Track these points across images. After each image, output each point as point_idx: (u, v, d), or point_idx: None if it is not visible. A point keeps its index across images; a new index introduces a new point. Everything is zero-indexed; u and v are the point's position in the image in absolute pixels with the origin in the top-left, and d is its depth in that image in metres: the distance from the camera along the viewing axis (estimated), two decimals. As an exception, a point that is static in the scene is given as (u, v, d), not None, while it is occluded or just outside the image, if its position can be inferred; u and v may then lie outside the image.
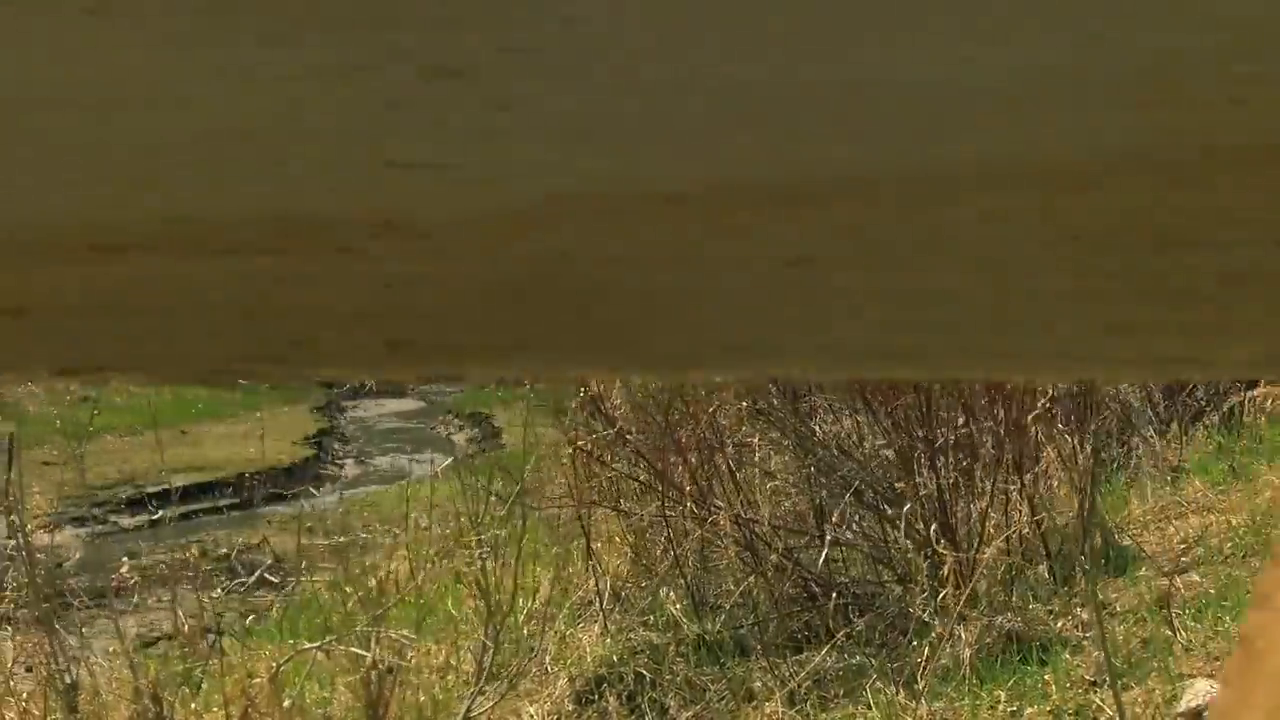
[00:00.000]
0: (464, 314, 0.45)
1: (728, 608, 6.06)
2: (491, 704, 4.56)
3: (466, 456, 21.27)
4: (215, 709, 4.55)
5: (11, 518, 4.69)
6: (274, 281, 0.45)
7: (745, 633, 6.05)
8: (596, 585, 5.88)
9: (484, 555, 4.73)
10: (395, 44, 0.41)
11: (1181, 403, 7.78)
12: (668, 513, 5.83)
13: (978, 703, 5.01)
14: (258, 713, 4.39)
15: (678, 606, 5.66)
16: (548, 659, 5.37)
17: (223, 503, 16.46)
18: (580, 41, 0.41)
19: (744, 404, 6.08)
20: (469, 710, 4.37)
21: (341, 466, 23.03)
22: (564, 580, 5.82)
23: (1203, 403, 7.97)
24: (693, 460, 5.99)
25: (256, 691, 4.38)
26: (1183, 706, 4.35)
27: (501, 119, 0.42)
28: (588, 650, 5.70)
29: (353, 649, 4.12)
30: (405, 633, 4.39)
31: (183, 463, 17.25)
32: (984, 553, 5.69)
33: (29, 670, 4.49)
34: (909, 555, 6.08)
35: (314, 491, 20.29)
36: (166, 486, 17.55)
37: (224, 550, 13.42)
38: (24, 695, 4.32)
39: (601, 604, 5.93)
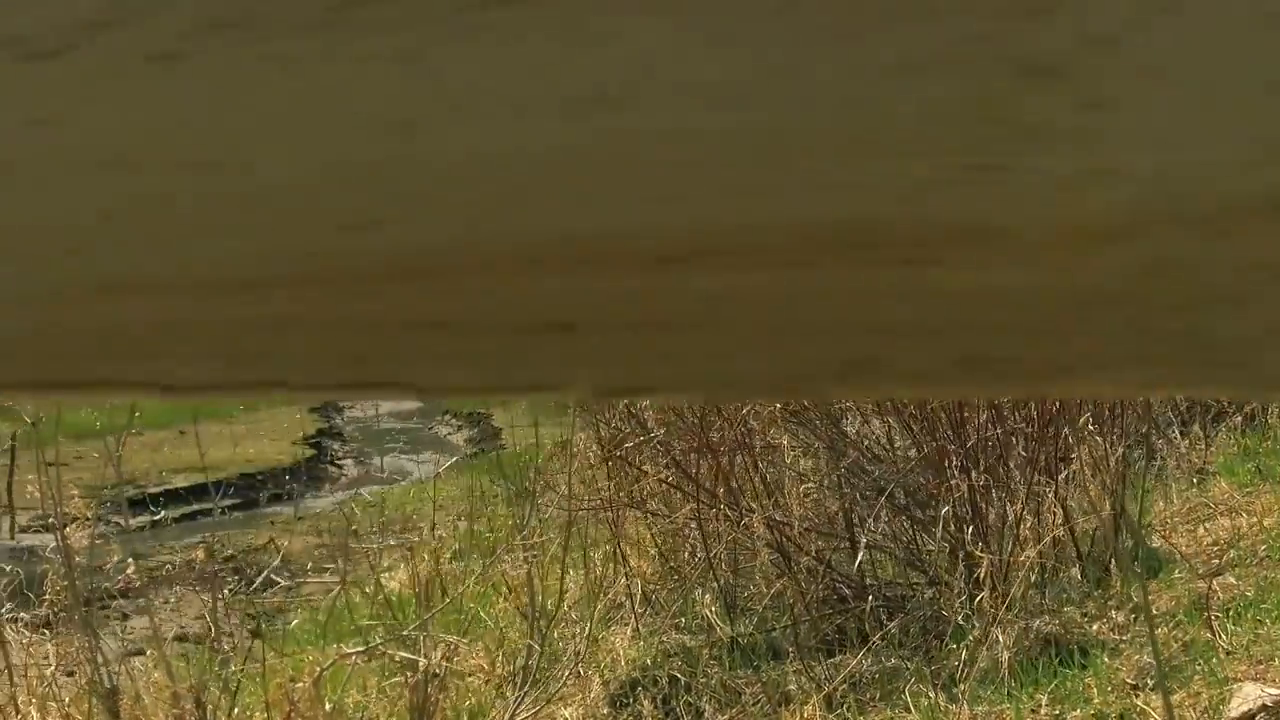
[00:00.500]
0: (1048, 326, 0.42)
1: (759, 610, 6.03)
2: (537, 708, 4.52)
3: (467, 457, 21.26)
4: (258, 713, 4.51)
5: (49, 520, 4.65)
6: (840, 295, 0.42)
7: (777, 636, 6.02)
8: (628, 588, 5.84)
9: (531, 558, 4.69)
10: (983, 36, 0.38)
11: (1203, 405, 7.76)
12: (701, 515, 5.79)
13: (1019, 706, 4.97)
14: (300, 717, 4.35)
15: (713, 609, 5.62)
16: (579, 662, 5.33)
17: (224, 503, 16.41)
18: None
19: (777, 406, 6.04)
20: (513, 715, 4.34)
21: (341, 467, 22.98)
22: (592, 583, 5.78)
23: (1225, 404, 7.95)
24: (724, 462, 5.95)
25: (299, 695, 4.33)
26: (1234, 711, 4.32)
27: (1095, 119, 0.39)
28: (621, 653, 5.66)
29: (402, 653, 4.08)
30: (453, 637, 4.35)
31: (183, 463, 17.20)
32: (1020, 555, 5.66)
33: (70, 675, 4.45)
34: (942, 558, 6.05)
35: (316, 492, 20.27)
36: (168, 487, 17.55)
37: (230, 551, 13.36)
38: (66, 700, 4.28)
39: (633, 606, 5.89)
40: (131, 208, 0.40)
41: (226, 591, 8.18)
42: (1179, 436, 7.46)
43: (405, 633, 4.15)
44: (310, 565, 12.35)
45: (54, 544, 4.56)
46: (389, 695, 5.23)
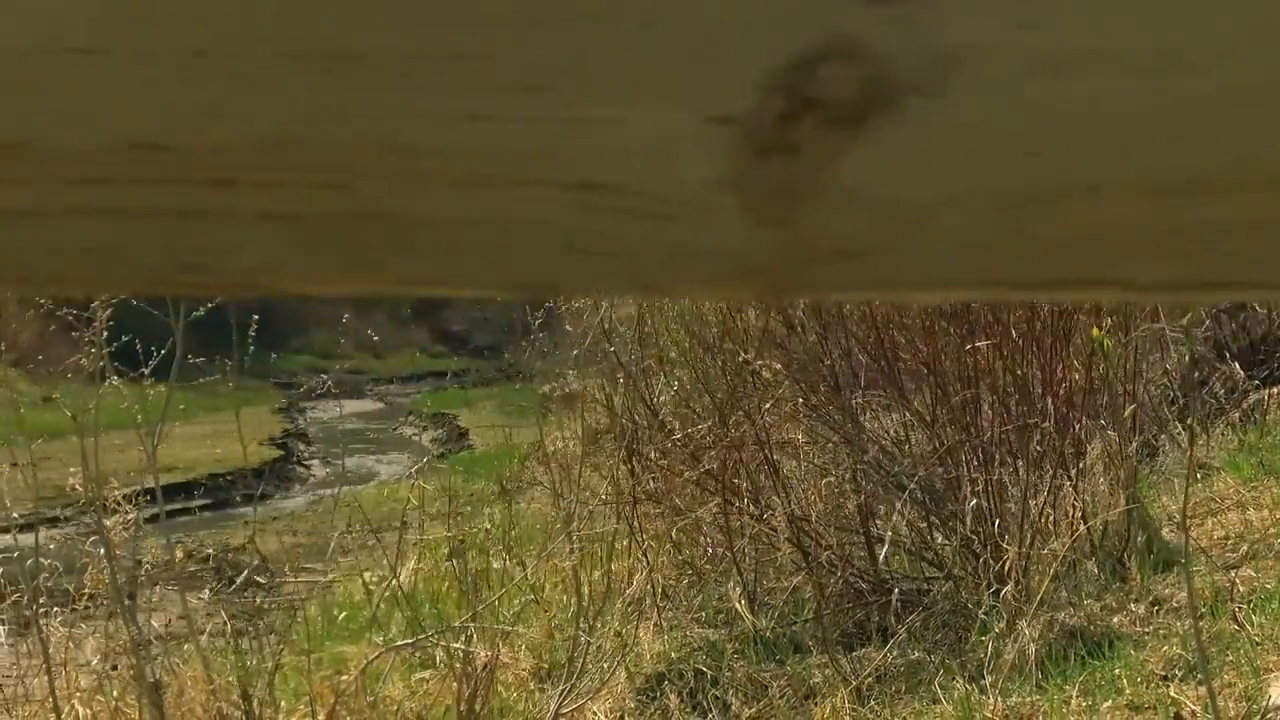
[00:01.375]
0: None
1: (779, 605, 6.04)
2: (580, 702, 4.51)
3: (434, 457, 21.13)
4: (301, 706, 4.48)
5: (88, 514, 4.60)
6: None
7: (798, 630, 6.03)
8: (651, 583, 5.84)
9: (580, 550, 4.68)
10: None
11: (1200, 400, 7.84)
12: (727, 510, 5.79)
13: (1051, 698, 5.00)
14: (346, 710, 4.32)
15: (742, 603, 5.63)
16: (620, 655, 5.32)
17: (194, 504, 16.28)
18: None
19: (800, 400, 6.06)
20: (559, 707, 4.33)
21: (309, 467, 22.85)
22: (613, 578, 5.78)
23: (1222, 400, 8.04)
24: (745, 457, 5.96)
25: (344, 688, 4.31)
26: (1276, 699, 4.36)
27: None
28: (646, 647, 5.66)
29: (456, 645, 4.05)
30: (506, 626, 4.33)
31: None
32: (1044, 548, 5.70)
33: (114, 669, 4.40)
34: (960, 552, 6.08)
35: (286, 493, 20.14)
36: (137, 487, 17.36)
37: (209, 551, 13.24)
38: (114, 693, 4.24)
39: (655, 600, 5.88)
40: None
41: (208, 591, 8.13)
42: (1183, 433, 7.52)
43: (456, 625, 4.13)
44: (288, 565, 12.24)
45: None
46: (417, 690, 5.21)
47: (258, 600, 10.05)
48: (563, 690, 4.33)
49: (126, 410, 4.67)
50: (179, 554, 9.63)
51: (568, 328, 22.71)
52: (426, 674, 5.54)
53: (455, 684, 4.19)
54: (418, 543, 9.13)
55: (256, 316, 5.67)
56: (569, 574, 4.83)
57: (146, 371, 4.83)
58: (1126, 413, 6.24)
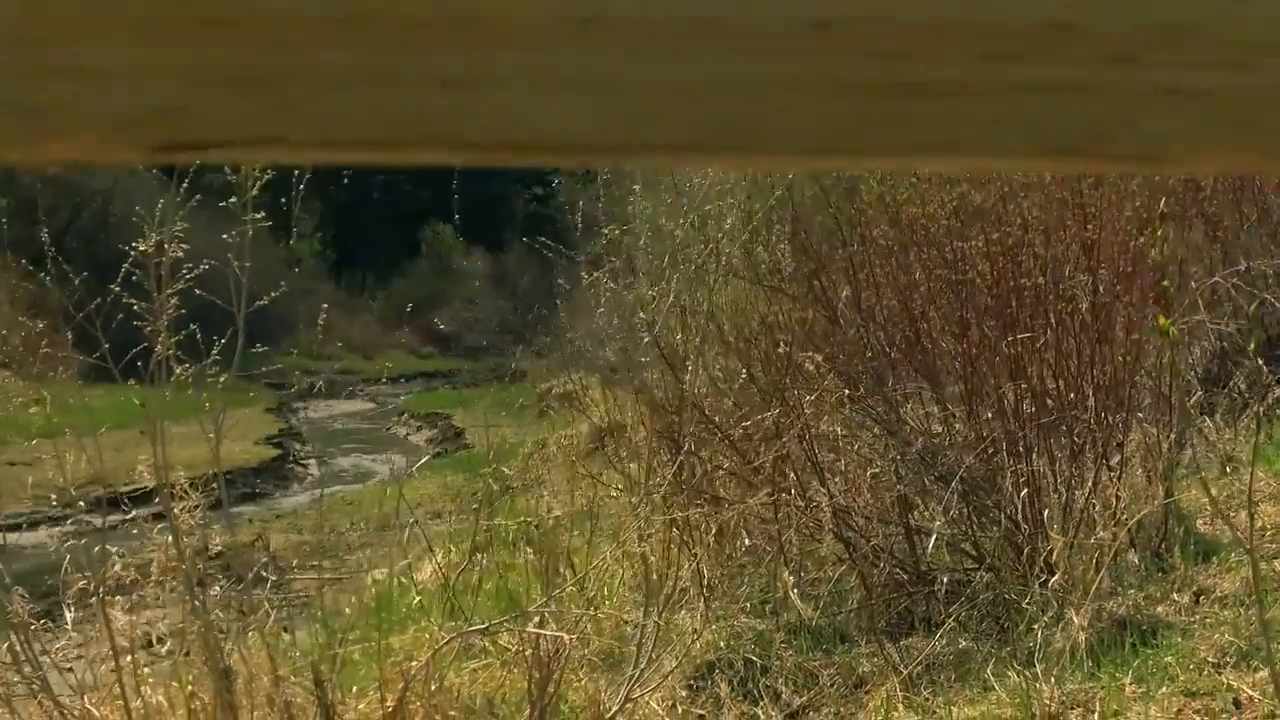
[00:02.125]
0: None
1: (823, 595, 6.07)
2: (643, 691, 4.53)
3: (432, 456, 21.08)
4: (371, 692, 4.49)
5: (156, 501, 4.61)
6: None
7: (842, 620, 6.06)
8: (700, 573, 5.85)
9: (647, 536, 4.70)
10: None
11: (1229, 396, 7.89)
12: (776, 501, 5.81)
13: (1108, 685, 5.04)
14: (414, 695, 4.33)
15: (795, 593, 5.65)
16: (657, 647, 5.33)
17: (193, 503, 16.22)
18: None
19: (844, 391, 6.08)
20: (629, 692, 4.34)
21: (306, 466, 22.79)
22: (656, 569, 5.79)
23: (1245, 395, 8.09)
24: (791, 449, 5.99)
25: (413, 674, 4.32)
26: (1337, 684, 4.39)
27: None
28: (695, 637, 5.67)
29: (530, 629, 4.07)
30: (582, 611, 4.34)
31: (149, 463, 16.95)
32: (1090, 538, 5.74)
33: (187, 655, 4.41)
34: (1002, 542, 6.12)
35: (285, 491, 20.09)
36: (139, 486, 17.32)
37: (219, 547, 13.18)
38: (189, 679, 4.24)
39: (701, 591, 5.90)
40: None
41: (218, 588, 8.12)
42: (1212, 427, 7.58)
43: (532, 609, 4.14)
44: (296, 561, 12.26)
45: (167, 524, 4.53)
46: (477, 677, 5.22)
47: (263, 595, 10.06)
48: (632, 676, 4.34)
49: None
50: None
51: (567, 333, 22.70)
52: (474, 663, 5.56)
53: (527, 670, 4.20)
54: (446, 535, 9.15)
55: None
56: (638, 560, 4.84)
57: (207, 361, 4.82)
58: (1174, 398, 6.30)
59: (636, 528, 4.74)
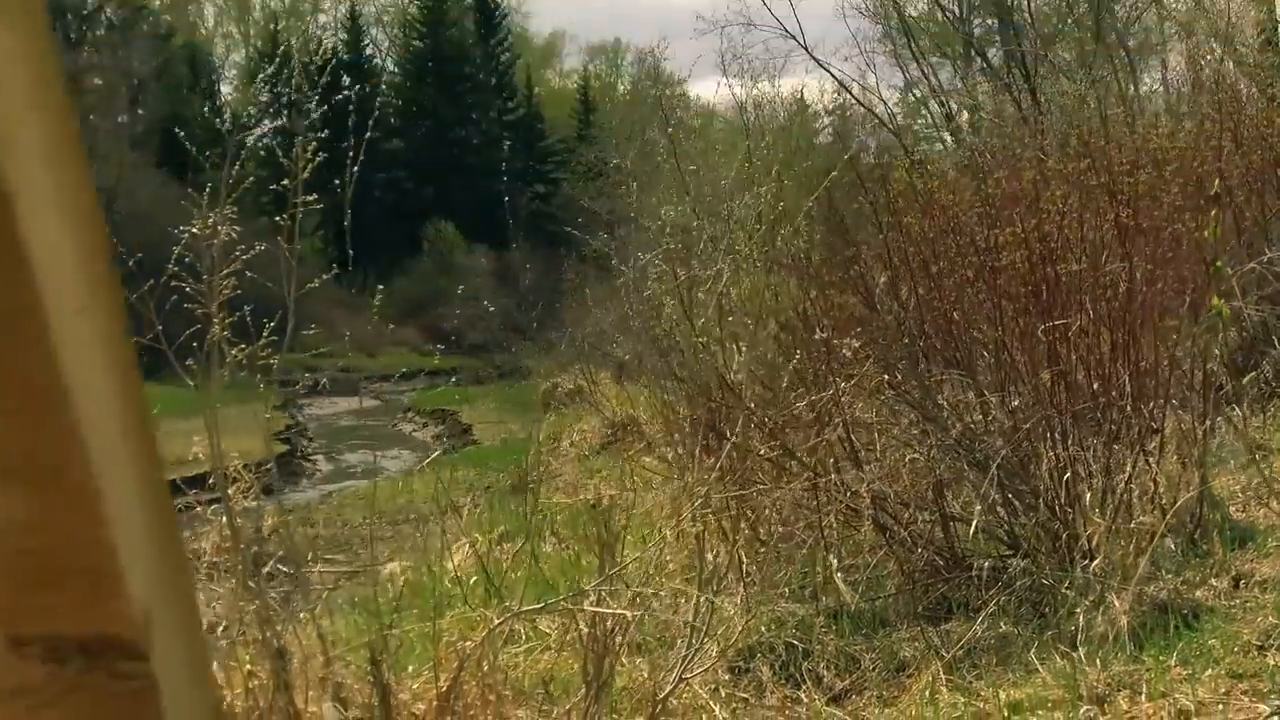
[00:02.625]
0: None
1: (861, 581, 6.08)
2: (701, 670, 4.54)
3: (441, 452, 21.05)
4: (425, 672, 4.50)
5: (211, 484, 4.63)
6: None
7: (880, 604, 6.08)
8: (740, 558, 5.87)
9: (702, 516, 4.71)
10: None
11: (1260, 385, 7.91)
12: (816, 485, 5.83)
13: (1155, 666, 5.05)
14: (469, 675, 4.34)
15: (838, 577, 5.66)
16: (705, 626, 5.34)
17: (204, 497, 16.25)
18: None
19: (884, 377, 6.10)
20: (682, 672, 4.36)
21: (314, 462, 22.84)
22: (710, 548, 5.81)
23: (1272, 383, 8.12)
24: (830, 434, 6.00)
25: (470, 653, 4.33)
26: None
27: None
28: (736, 621, 5.68)
29: (589, 608, 4.08)
30: (638, 589, 4.35)
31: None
32: (1129, 523, 5.75)
33: (243, 635, 4.41)
34: (1036, 529, 6.13)
35: (294, 487, 20.08)
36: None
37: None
38: (246, 659, 4.25)
39: (741, 576, 5.92)
40: None
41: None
42: (1241, 415, 7.59)
43: (589, 588, 4.15)
44: (311, 554, 12.27)
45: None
46: (519, 662, 5.23)
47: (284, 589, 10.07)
48: (686, 656, 4.36)
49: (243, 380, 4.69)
50: (205, 545, 9.63)
51: (572, 330, 22.58)
52: (512, 649, 5.58)
53: (583, 649, 4.21)
54: (475, 523, 9.16)
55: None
56: (679, 544, 4.86)
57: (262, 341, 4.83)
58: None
59: (691, 509, 4.75)
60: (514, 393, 27.04)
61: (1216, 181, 4.46)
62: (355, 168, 4.75)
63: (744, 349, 6.40)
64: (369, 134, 5.37)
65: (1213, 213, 4.01)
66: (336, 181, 4.81)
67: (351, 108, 5.56)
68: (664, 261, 6.93)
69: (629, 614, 3.97)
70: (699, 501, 4.85)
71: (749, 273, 6.25)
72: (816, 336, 6.27)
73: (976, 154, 10.32)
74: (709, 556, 5.89)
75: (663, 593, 4.78)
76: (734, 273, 6.24)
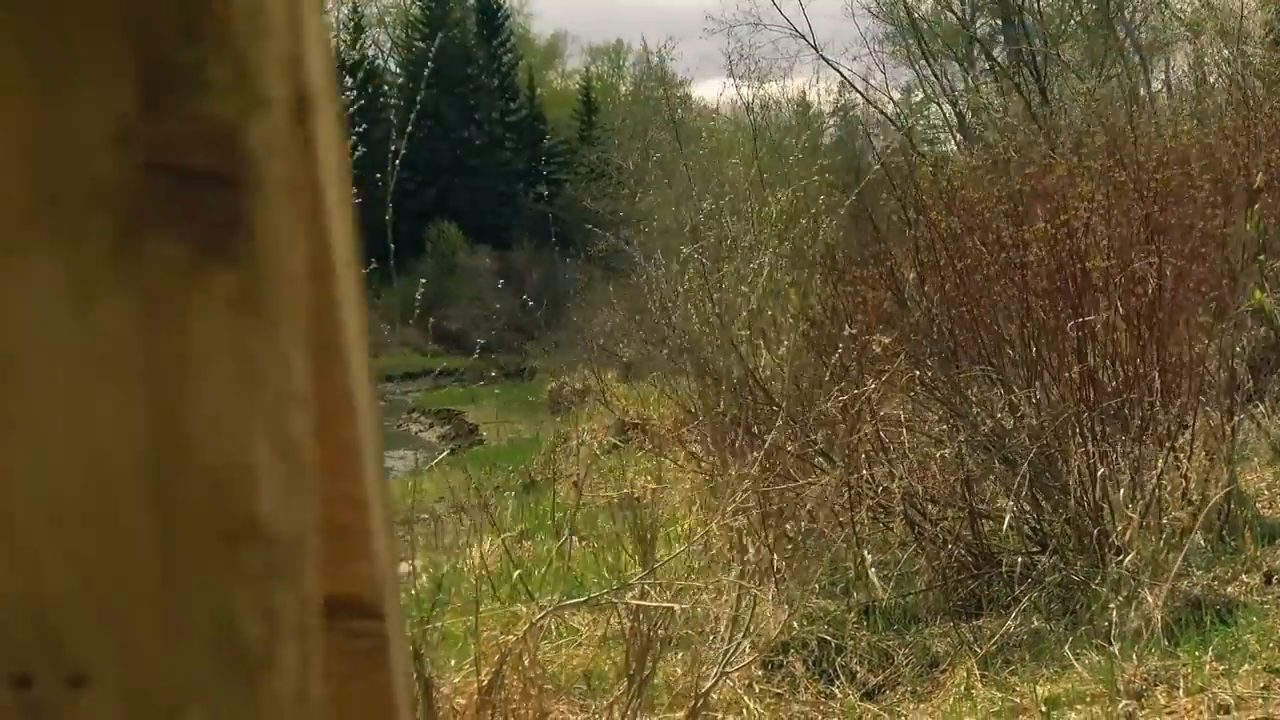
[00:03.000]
0: None
1: (891, 577, 6.08)
2: (740, 666, 4.54)
3: (449, 452, 21.05)
4: (466, 665, 4.50)
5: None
6: None
7: (910, 601, 6.08)
8: (772, 555, 5.86)
9: (742, 513, 4.71)
10: None
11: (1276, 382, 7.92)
12: (849, 482, 5.83)
13: (1193, 661, 5.05)
14: (511, 669, 4.34)
15: (870, 573, 5.66)
16: (747, 620, 5.33)
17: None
18: None
19: (915, 373, 6.10)
20: (727, 664, 4.36)
21: (321, 461, 22.70)
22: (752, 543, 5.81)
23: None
24: (862, 432, 6.00)
25: (511, 648, 4.32)
26: None
27: None
28: (769, 618, 5.68)
29: (632, 601, 4.08)
30: (686, 582, 4.35)
31: None
32: (1160, 519, 5.76)
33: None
34: (1065, 527, 6.13)
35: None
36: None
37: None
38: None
39: (774, 572, 5.91)
40: None
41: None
42: (1264, 413, 7.60)
43: (633, 581, 4.15)
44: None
45: None
46: (554, 658, 5.22)
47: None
48: (727, 651, 4.36)
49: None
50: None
51: (580, 330, 22.56)
52: (544, 644, 5.57)
53: (626, 642, 4.21)
54: (499, 518, 9.14)
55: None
56: (711, 540, 4.86)
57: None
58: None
59: (736, 504, 4.75)
60: (520, 392, 27.02)
61: (1259, 176, 4.46)
62: (396, 162, 4.73)
63: (777, 346, 6.40)
64: (396, 136, 5.36)
65: (1255, 206, 4.00)
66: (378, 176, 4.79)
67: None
68: (701, 257, 6.92)
69: (676, 607, 3.97)
70: (743, 497, 4.85)
71: (780, 270, 6.24)
72: (847, 333, 6.27)
73: (994, 151, 10.32)
74: (756, 542, 5.89)
75: (703, 586, 4.75)
76: (768, 271, 6.23)
